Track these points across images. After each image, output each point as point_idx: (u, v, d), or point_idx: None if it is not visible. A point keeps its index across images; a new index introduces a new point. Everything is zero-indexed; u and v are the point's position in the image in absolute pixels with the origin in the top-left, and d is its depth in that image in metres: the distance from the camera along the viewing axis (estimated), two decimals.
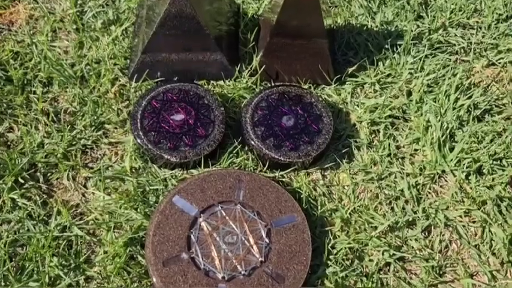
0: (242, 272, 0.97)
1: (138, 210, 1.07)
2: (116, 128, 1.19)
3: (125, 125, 1.19)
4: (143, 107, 1.16)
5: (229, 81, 1.25)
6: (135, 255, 1.03)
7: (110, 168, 1.14)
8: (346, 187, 1.15)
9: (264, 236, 1.02)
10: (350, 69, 1.26)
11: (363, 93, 1.27)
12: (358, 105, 1.25)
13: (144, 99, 1.17)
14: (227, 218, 1.03)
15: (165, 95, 1.17)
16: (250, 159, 1.15)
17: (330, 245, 1.05)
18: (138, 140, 1.12)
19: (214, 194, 1.05)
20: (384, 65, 1.28)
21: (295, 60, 1.23)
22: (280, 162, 1.13)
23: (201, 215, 1.03)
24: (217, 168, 1.11)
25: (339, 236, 1.07)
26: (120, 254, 1.01)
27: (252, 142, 1.13)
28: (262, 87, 1.23)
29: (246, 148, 1.16)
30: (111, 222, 1.05)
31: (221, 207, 1.04)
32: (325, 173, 1.17)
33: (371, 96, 1.26)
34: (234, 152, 1.15)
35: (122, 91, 1.24)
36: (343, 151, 1.18)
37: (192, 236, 1.01)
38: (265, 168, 1.14)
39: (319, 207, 1.10)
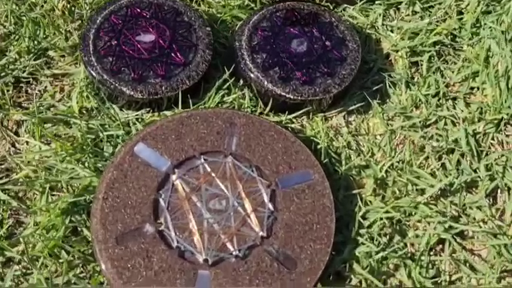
0: (234, 253, 0.65)
1: (87, 164, 0.74)
2: (62, 57, 0.86)
3: (74, 51, 0.85)
4: (98, 24, 0.82)
5: None
6: (78, 228, 0.70)
7: (51, 109, 0.81)
8: (378, 137, 0.82)
9: (266, 200, 0.69)
10: None
11: (399, 15, 0.93)
12: (392, 30, 0.91)
13: (100, 15, 0.83)
14: (213, 174, 0.70)
15: (129, 10, 0.83)
16: (246, 97, 0.82)
17: (359, 214, 0.72)
18: (90, 69, 0.78)
19: (196, 141, 0.72)
20: None
21: None
22: (289, 102, 0.79)
23: (175, 170, 0.70)
24: (201, 108, 0.77)
25: (371, 203, 0.75)
26: (57, 226, 0.69)
27: (250, 73, 0.80)
28: (263, 5, 0.89)
29: (241, 82, 0.82)
30: (47, 182, 0.72)
31: (204, 160, 0.71)
32: (350, 118, 0.84)
33: (409, 19, 0.92)
34: (224, 87, 0.82)
35: (73, 8, 0.90)
36: (374, 89, 0.85)
37: (161, 200, 0.68)
38: (267, 110, 0.81)
39: (343, 163, 0.77)
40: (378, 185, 0.76)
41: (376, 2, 0.93)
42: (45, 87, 0.83)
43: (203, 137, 0.73)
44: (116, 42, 0.81)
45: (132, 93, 0.77)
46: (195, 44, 0.82)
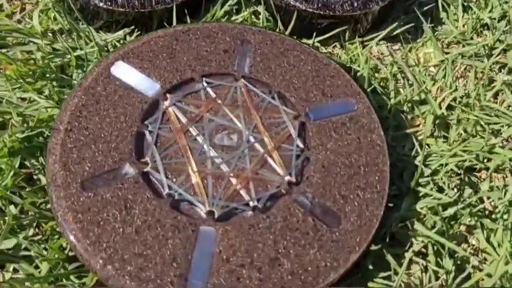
0: (251, 204, 0.45)
1: (47, 93, 0.54)
2: None
3: None
4: None
5: None
6: (34, 176, 0.50)
7: (8, 31, 0.61)
8: (432, 69, 0.62)
9: (293, 135, 0.49)
10: None
11: None
12: None
13: None
14: (219, 101, 0.50)
15: None
16: (262, 14, 0.62)
17: (418, 160, 0.53)
18: None
19: (195, 61, 0.52)
20: None
21: None
22: (316, 21, 0.60)
23: (167, 95, 0.50)
24: (202, 22, 0.58)
25: (429, 146, 0.55)
26: (3, 172, 0.49)
27: None
28: None
29: None
30: None
31: (207, 83, 0.51)
32: (395, 47, 0.64)
33: None
34: (233, 2, 0.62)
35: None
36: (424, 9, 0.66)
37: (146, 133, 0.48)
38: (288, 32, 0.61)
39: (390, 97, 0.58)
40: (438, 124, 0.57)
41: None
42: (1, 4, 0.64)
43: (205, 56, 0.53)
44: None
45: (111, 5, 0.57)
46: None
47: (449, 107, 0.58)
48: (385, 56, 0.63)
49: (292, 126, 0.49)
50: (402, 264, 0.45)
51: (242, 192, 0.45)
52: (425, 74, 0.61)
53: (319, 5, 0.59)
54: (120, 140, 0.47)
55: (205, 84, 0.51)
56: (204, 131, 0.48)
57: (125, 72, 0.51)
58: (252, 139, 0.48)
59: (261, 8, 0.62)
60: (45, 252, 0.46)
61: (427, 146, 0.55)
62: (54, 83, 0.55)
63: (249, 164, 0.47)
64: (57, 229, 0.46)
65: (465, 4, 0.67)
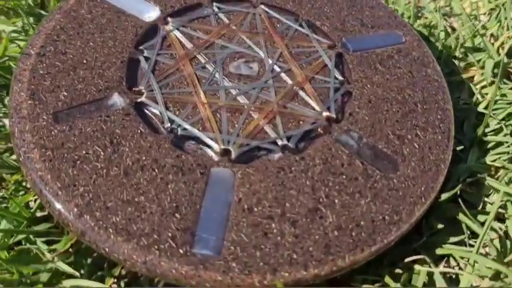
0: (279, 142, 0.33)
1: (20, 25, 0.44)
2: None
3: None
4: None
5: None
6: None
7: None
8: (483, 17, 0.52)
9: (329, 65, 0.38)
10: None
11: None
12: None
13: None
14: (233, 27, 0.40)
15: None
16: None
17: (481, 108, 0.42)
18: None
19: None
20: None
21: None
22: None
23: (169, 19, 0.40)
24: None
25: (484, 96, 0.44)
26: None
27: None
28: None
29: None
30: None
31: (218, 8, 0.41)
32: None
33: None
34: None
35: None
36: None
37: (141, 58, 0.37)
38: None
39: (437, 44, 0.47)
40: (497, 73, 0.46)
41: None
42: None
43: None
44: None
45: None
46: None
47: (509, 55, 0.47)
48: (426, 2, 0.53)
49: (326, 57, 0.39)
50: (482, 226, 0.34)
51: (267, 128, 0.34)
52: (474, 24, 0.51)
53: None
54: (107, 66, 0.36)
55: (215, 9, 0.41)
56: (215, 59, 0.37)
57: None
58: (277, 68, 0.37)
59: None
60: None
61: (485, 95, 0.44)
62: (31, 19, 0.44)
63: (275, 96, 0.36)
64: (24, 184, 0.35)
65: None
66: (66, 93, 0.34)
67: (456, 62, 0.47)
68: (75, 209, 0.29)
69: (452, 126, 0.36)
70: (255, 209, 0.30)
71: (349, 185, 0.32)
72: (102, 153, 0.31)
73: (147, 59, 0.37)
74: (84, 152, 0.31)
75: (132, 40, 0.38)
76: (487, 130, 0.41)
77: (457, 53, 0.47)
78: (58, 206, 0.29)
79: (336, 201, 0.31)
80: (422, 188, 0.32)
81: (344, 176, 0.32)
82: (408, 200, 0.32)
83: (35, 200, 0.34)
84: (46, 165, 0.30)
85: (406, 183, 0.32)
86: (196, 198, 0.30)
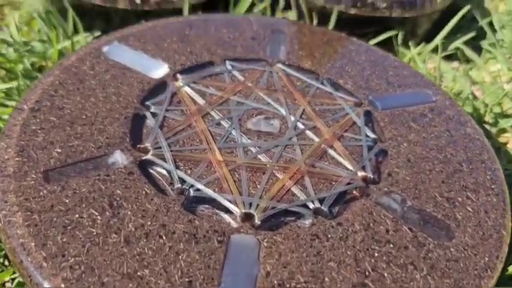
0: (310, 205, 0.28)
1: (15, 91, 0.40)
2: None
3: None
4: None
5: None
6: None
7: None
8: (506, 85, 0.50)
9: (359, 123, 0.34)
10: None
11: None
12: None
13: None
14: (249, 84, 0.36)
15: None
16: (292, 15, 0.51)
17: None
18: None
19: (215, 45, 0.39)
20: None
21: None
22: (359, 23, 0.49)
23: (179, 76, 0.36)
24: (218, 13, 0.45)
25: None
26: None
27: None
28: None
29: (281, 4, 0.52)
30: None
31: (232, 66, 0.38)
32: (453, 64, 0.52)
33: None
34: (255, 8, 0.51)
35: None
36: (475, 28, 0.55)
37: (148, 115, 0.33)
38: None
39: (466, 101, 0.44)
40: None
41: None
42: None
43: (228, 41, 0.40)
44: None
45: (108, 3, 0.46)
46: None
47: None
48: (445, 72, 0.50)
49: (354, 114, 0.34)
50: None
51: (294, 189, 0.29)
52: (499, 92, 0.48)
53: (364, 6, 0.48)
54: (109, 122, 0.31)
55: (229, 67, 0.37)
56: (231, 115, 0.33)
57: (121, 53, 0.37)
58: (301, 126, 0.33)
59: (290, 14, 0.51)
60: None
61: None
62: (28, 82, 0.41)
63: (301, 155, 0.31)
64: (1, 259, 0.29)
65: None
66: (60, 150, 0.29)
67: (487, 126, 0.43)
68: (62, 285, 0.23)
69: (505, 188, 0.31)
70: (288, 286, 0.24)
71: (399, 255, 0.26)
72: (99, 217, 0.26)
73: (154, 115, 0.33)
74: (77, 215, 0.26)
75: (137, 96, 0.33)
76: None
77: (487, 118, 0.44)
78: (40, 280, 0.23)
79: (386, 274, 0.25)
80: (486, 258, 0.27)
81: (391, 245, 0.26)
82: (472, 272, 0.26)
83: (13, 280, 0.28)
84: (30, 231, 0.25)
85: (465, 253, 0.27)
86: (214, 272, 0.24)
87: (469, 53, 0.49)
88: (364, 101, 0.36)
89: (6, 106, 0.39)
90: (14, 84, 0.40)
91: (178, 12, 0.48)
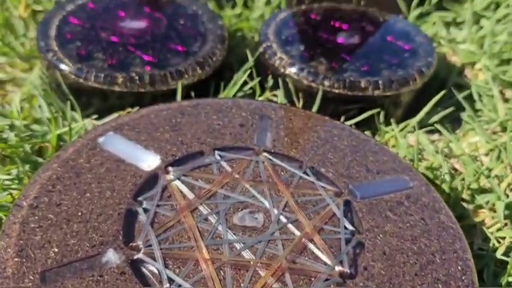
0: None
1: (15, 175, 0.42)
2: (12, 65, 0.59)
3: (31, 58, 0.59)
4: (69, 9, 0.57)
5: (231, 5, 0.69)
6: None
7: None
8: (484, 158, 0.52)
9: (338, 214, 0.36)
10: None
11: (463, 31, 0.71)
12: (464, 41, 0.68)
13: (73, 2, 0.58)
14: (236, 176, 0.38)
15: (112, 0, 0.60)
16: (279, 97, 0.54)
17: (499, 254, 0.40)
18: (46, 54, 0.51)
19: (205, 134, 0.42)
20: None
21: None
22: (342, 106, 0.52)
23: (169, 169, 0.38)
24: (209, 98, 0.48)
25: (501, 241, 0.42)
26: None
27: (284, 68, 0.53)
28: (291, 6, 0.66)
29: (270, 83, 0.55)
30: None
31: (220, 156, 0.40)
32: (432, 136, 0.55)
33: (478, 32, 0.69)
34: (246, 87, 0.54)
35: (37, 11, 0.66)
36: (454, 100, 0.58)
37: (140, 210, 0.35)
38: None
39: (445, 183, 0.47)
40: (507, 215, 0.44)
41: (431, 17, 0.71)
42: None
43: (217, 129, 0.43)
44: (88, 25, 0.55)
45: (104, 85, 0.49)
46: (203, 33, 0.56)
47: None
48: (424, 145, 0.53)
49: (334, 205, 0.37)
50: None
51: (276, 287, 0.31)
52: (476, 163, 0.51)
53: (347, 85, 0.51)
54: (103, 219, 0.33)
55: (218, 157, 0.40)
56: (218, 209, 0.35)
57: (116, 143, 0.40)
58: (283, 219, 0.35)
59: (278, 93, 0.54)
60: None
61: (500, 240, 0.42)
62: (27, 167, 0.43)
63: (283, 250, 0.33)
64: None
65: (503, 92, 0.60)
66: (57, 250, 0.31)
67: (465, 204, 0.45)
68: None
69: (475, 278, 0.33)
70: None
71: None
72: None
73: (146, 210, 0.35)
74: None
75: (130, 190, 0.36)
76: (510, 279, 0.38)
77: (464, 195, 0.46)
78: None
79: None
80: None
81: None
82: None
83: None
84: None
85: None
86: None
87: (445, 131, 0.52)
88: (344, 190, 0.38)
89: (6, 190, 0.41)
90: (13, 170, 0.42)
91: (172, 92, 0.51)
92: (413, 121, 0.52)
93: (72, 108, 0.49)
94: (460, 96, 0.56)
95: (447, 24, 0.71)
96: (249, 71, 0.53)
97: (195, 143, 0.41)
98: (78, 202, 0.34)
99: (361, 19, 0.61)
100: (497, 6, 0.71)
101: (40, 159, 0.45)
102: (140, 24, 0.56)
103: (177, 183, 0.37)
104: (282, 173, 0.39)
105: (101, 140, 0.40)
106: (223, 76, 0.57)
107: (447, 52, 0.67)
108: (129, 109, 0.50)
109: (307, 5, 0.64)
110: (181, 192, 0.36)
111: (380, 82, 0.51)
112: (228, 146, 0.41)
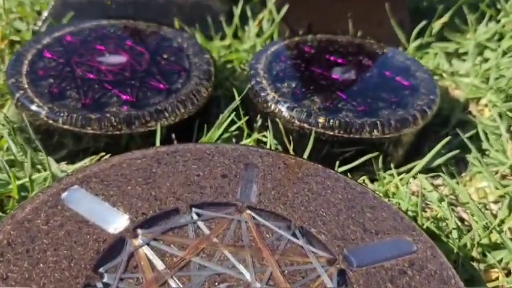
0: None
1: None
2: None
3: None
4: (44, 43, 0.52)
5: (220, 36, 0.65)
6: None
7: None
8: (493, 206, 0.47)
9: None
10: (436, 25, 0.67)
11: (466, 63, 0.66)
12: (468, 75, 0.63)
13: (50, 34, 0.54)
14: (215, 240, 0.33)
15: (92, 32, 0.55)
16: (269, 142, 0.49)
17: None
18: (15, 92, 0.46)
19: (182, 187, 0.37)
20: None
21: (342, 6, 0.64)
22: (338, 147, 0.46)
23: (138, 231, 0.33)
24: (190, 144, 0.43)
25: None
26: None
27: (274, 105, 0.48)
28: (284, 38, 0.61)
29: (258, 122, 0.50)
30: None
31: (197, 215, 0.35)
32: (436, 181, 0.50)
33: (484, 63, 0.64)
34: (232, 128, 0.49)
35: (15, 43, 0.61)
36: (461, 139, 0.53)
37: (99, 285, 0.29)
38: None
39: (453, 239, 0.41)
40: None
41: (432, 48, 0.67)
42: None
43: (196, 181, 0.37)
44: (64, 60, 0.50)
45: (76, 127, 0.44)
46: (187, 69, 0.51)
47: None
48: (428, 191, 0.48)
49: (327, 276, 0.31)
50: None
51: None
52: (485, 212, 0.45)
53: (342, 128, 0.46)
54: None
55: (194, 216, 0.35)
56: (190, 284, 0.30)
57: (80, 200, 0.35)
58: None
59: (267, 135, 0.49)
60: None
61: None
62: None
63: None
64: None
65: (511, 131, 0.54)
66: None
67: (475, 264, 0.40)
68: None
69: None
70: None
71: None
72: None
73: (106, 286, 0.29)
74: None
75: (91, 259, 0.30)
76: None
77: (474, 253, 0.40)
78: None
79: None
80: None
81: None
82: None
83: None
84: None
85: None
86: None
87: (449, 180, 0.46)
88: (338, 256, 0.33)
89: None
90: None
91: (152, 133, 0.46)
92: (416, 168, 0.47)
93: (38, 150, 0.44)
94: (465, 136, 0.51)
95: (449, 55, 0.67)
96: (236, 110, 0.48)
97: (171, 199, 0.36)
98: (28, 275, 0.29)
99: (357, 52, 0.57)
100: (502, 36, 0.66)
101: (0, 213, 0.39)
102: (120, 59, 0.51)
103: (146, 249, 0.32)
104: (268, 236, 0.34)
105: (64, 195, 0.35)
106: (210, 112, 0.52)
107: (449, 85, 0.62)
108: (102, 153, 0.45)
109: (300, 36, 0.59)
110: (149, 261, 0.31)
111: (378, 123, 0.46)
112: (207, 202, 0.36)
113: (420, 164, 0.47)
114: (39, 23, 0.63)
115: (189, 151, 0.40)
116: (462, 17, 0.68)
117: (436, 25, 0.66)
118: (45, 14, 0.63)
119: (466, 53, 0.66)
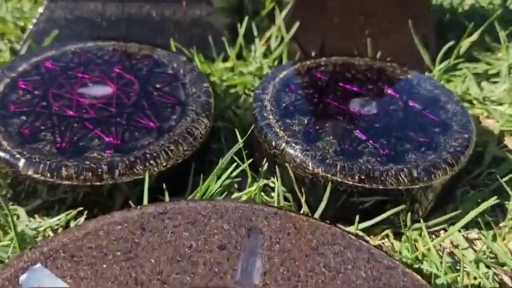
0: None
1: None
2: None
3: None
4: (20, 71, 0.45)
5: (223, 57, 0.58)
6: None
7: None
8: None
9: None
10: (464, 43, 0.59)
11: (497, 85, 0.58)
12: (501, 103, 0.55)
13: (27, 60, 0.47)
14: None
15: (75, 57, 0.48)
16: (277, 191, 0.41)
17: None
18: None
19: (169, 265, 0.29)
20: None
21: (359, 22, 0.57)
22: (359, 198, 0.39)
23: None
24: (186, 202, 0.35)
25: None
26: None
27: (283, 147, 0.40)
28: (294, 60, 0.54)
29: (264, 167, 0.42)
30: None
31: None
32: (471, 234, 0.42)
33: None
34: (233, 174, 0.42)
35: None
36: (494, 180, 0.45)
37: None
38: (317, 215, 0.40)
39: None
40: None
41: (460, 69, 0.59)
42: None
43: (187, 255, 0.30)
44: (40, 92, 0.43)
45: (50, 177, 0.37)
46: (183, 102, 0.44)
47: None
48: (463, 248, 0.40)
49: None
50: None
51: None
52: None
53: (363, 176, 0.38)
54: None
55: None
56: None
57: (42, 282, 0.28)
58: None
59: (274, 182, 0.41)
60: None
61: None
62: None
63: None
64: None
65: None
66: None
67: None
68: None
69: None
70: None
71: None
72: None
73: None
74: None
75: None
76: None
77: None
78: None
79: None
80: None
81: None
82: None
83: None
84: None
85: None
86: None
87: (486, 238, 0.39)
88: None
89: None
90: None
91: (140, 181, 0.39)
92: (451, 230, 0.39)
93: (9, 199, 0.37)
94: (502, 178, 0.43)
95: (477, 77, 0.59)
96: (239, 151, 0.41)
97: (155, 282, 0.28)
98: None
99: (378, 79, 0.49)
100: None
101: None
102: (105, 90, 0.44)
103: None
104: None
105: (22, 278, 0.28)
106: (209, 149, 0.45)
107: (481, 114, 0.55)
108: (80, 208, 0.38)
109: (313, 59, 0.52)
110: None
111: (406, 171, 0.38)
112: (199, 286, 0.29)
113: (456, 226, 0.39)
114: (21, 42, 0.56)
115: (181, 212, 0.33)
116: (492, 34, 0.61)
117: (465, 43, 0.58)
118: (27, 32, 0.56)
119: (497, 74, 0.59)
